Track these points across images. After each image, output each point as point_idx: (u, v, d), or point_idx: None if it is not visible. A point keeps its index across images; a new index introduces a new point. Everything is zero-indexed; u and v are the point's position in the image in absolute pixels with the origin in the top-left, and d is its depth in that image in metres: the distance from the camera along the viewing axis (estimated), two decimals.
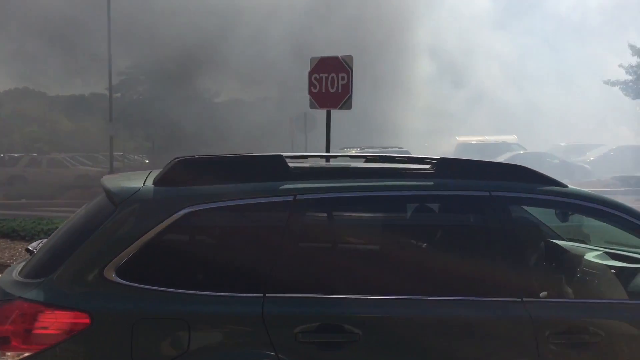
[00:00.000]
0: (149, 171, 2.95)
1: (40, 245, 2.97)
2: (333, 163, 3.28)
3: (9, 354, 2.33)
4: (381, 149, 18.77)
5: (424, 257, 2.86)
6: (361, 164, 3.22)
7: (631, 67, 21.48)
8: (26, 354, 2.31)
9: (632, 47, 21.33)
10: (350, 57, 9.18)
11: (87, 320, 2.33)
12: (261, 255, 2.56)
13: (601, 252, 3.71)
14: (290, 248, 2.57)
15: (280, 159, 2.73)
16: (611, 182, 21.32)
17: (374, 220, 2.98)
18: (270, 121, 37.31)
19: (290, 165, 2.75)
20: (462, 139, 32.29)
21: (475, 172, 2.89)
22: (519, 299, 2.60)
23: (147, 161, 35.52)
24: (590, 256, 3.62)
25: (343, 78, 9.06)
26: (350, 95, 9.14)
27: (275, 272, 2.51)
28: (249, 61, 42.34)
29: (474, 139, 30.72)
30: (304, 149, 20.40)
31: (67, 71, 43.84)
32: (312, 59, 9.41)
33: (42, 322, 2.35)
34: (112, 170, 21.30)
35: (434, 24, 39.61)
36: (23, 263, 2.79)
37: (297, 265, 2.58)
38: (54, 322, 2.34)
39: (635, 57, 21.37)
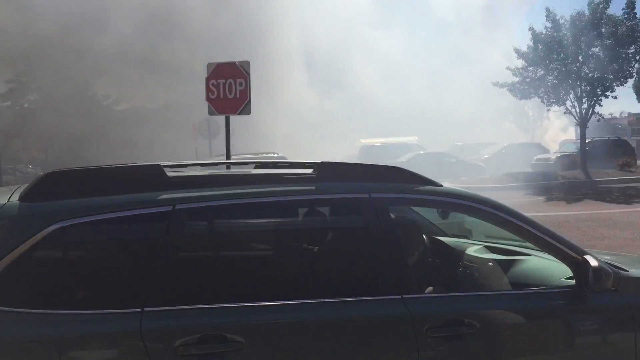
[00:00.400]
0: (18, 186, 2.80)
1: None
2: (215, 171, 3.24)
3: None
4: (253, 155, 18.63)
5: (306, 260, 2.91)
6: (242, 171, 3.21)
7: (517, 69, 22.84)
8: None
9: (517, 50, 22.70)
10: (247, 63, 9.16)
11: None
12: (139, 268, 2.49)
13: (481, 246, 3.94)
14: (170, 259, 2.52)
15: (158, 169, 2.68)
16: (503, 178, 22.57)
17: (255, 227, 2.99)
18: (176, 128, 36.51)
19: (169, 174, 2.70)
20: (365, 141, 33.10)
21: (355, 174, 2.97)
22: (399, 296, 2.70)
23: (42, 173, 33.66)
24: (471, 251, 3.84)
25: (241, 84, 9.03)
26: (249, 101, 9.11)
27: (155, 285, 2.45)
28: (152, 67, 41.25)
29: (377, 141, 31.56)
30: (209, 155, 20.12)
31: None
32: (208, 65, 9.31)
33: None
34: (1, 184, 20.01)
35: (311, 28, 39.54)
36: None
37: (177, 277, 2.54)
38: None
39: (521, 60, 22.74)
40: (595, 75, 21.75)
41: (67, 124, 40.15)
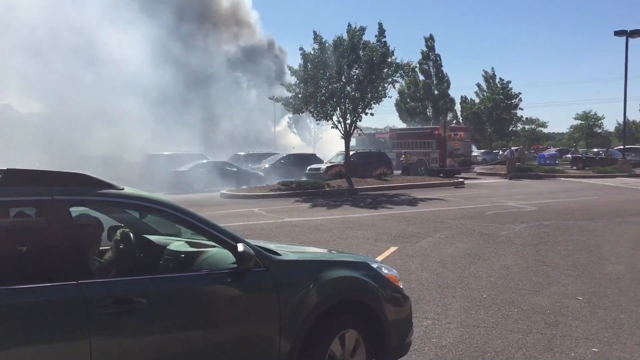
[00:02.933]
0: None
1: None
2: None
3: None
4: None
5: None
6: None
7: (290, 85, 24.59)
8: None
9: (290, 68, 24.45)
10: None
11: None
12: None
13: (184, 241, 4.61)
14: None
15: None
16: (277, 186, 24.09)
17: None
18: None
19: None
20: (154, 151, 32.90)
21: (41, 180, 3.41)
22: (75, 282, 3.20)
23: None
24: (172, 246, 4.48)
25: None
26: None
27: None
28: None
29: (166, 152, 31.46)
30: None
31: None
32: None
33: None
34: None
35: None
36: None
37: None
38: None
39: (293, 77, 24.55)
40: (357, 95, 24.38)
41: None
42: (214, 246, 4.17)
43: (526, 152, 50.74)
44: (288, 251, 4.41)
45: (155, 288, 3.51)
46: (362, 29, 24.02)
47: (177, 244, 4.56)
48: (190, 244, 4.56)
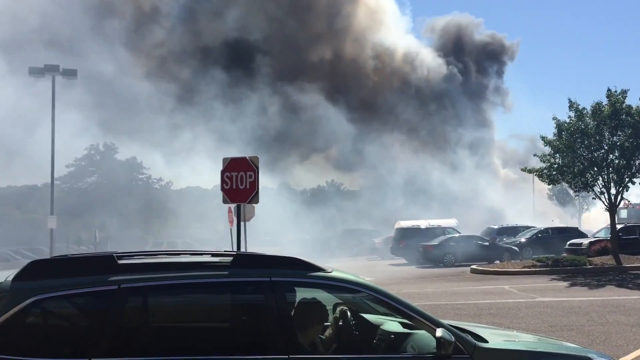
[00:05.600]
0: (17, 269, 3.87)
1: None
2: (159, 258, 4.24)
3: None
4: None
5: (217, 326, 3.84)
6: (181, 259, 4.19)
7: (544, 155, 23.41)
8: None
9: (543, 138, 23.36)
10: (257, 158, 10.39)
11: None
12: (89, 330, 3.50)
13: (397, 322, 4.77)
14: (115, 323, 3.51)
15: (110, 257, 3.72)
16: (532, 263, 22.73)
17: (182, 301, 3.94)
18: (221, 208, 38.28)
19: (120, 262, 3.72)
20: (402, 223, 34.06)
21: (262, 263, 3.93)
22: (286, 356, 3.58)
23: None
24: (385, 326, 4.68)
25: (250, 176, 10.19)
26: (257, 191, 10.25)
27: (100, 342, 3.42)
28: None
29: (411, 223, 32.34)
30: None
31: (12, 162, 44.60)
32: (224, 160, 10.59)
33: None
34: None
35: None
36: None
37: (118, 337, 3.51)
38: None
39: (547, 148, 23.37)
40: (622, 163, 22.12)
41: (121, 205, 42.71)
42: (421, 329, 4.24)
43: None
44: (497, 337, 4.24)
45: None
46: (624, 92, 21.98)
47: (390, 324, 4.71)
48: (403, 325, 4.68)
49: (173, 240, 41.28)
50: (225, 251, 4.04)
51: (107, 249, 33.98)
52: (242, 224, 10.69)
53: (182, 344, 3.62)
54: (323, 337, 4.63)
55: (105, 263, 3.70)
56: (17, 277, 3.56)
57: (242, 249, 10.61)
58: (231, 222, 21.35)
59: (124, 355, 3.44)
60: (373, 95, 57.34)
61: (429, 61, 63.36)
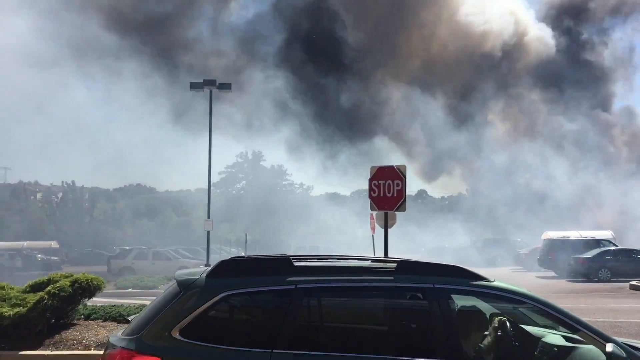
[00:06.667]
0: (207, 267, 4.37)
1: (135, 316, 4.45)
2: (329, 262, 4.54)
3: None
4: None
5: (382, 327, 4.05)
6: (348, 263, 4.46)
7: None
8: None
9: None
10: (404, 167, 10.53)
11: None
12: (271, 323, 3.87)
13: (559, 335, 4.69)
14: (292, 319, 3.86)
15: (287, 260, 4.08)
16: None
17: (350, 302, 4.20)
18: (360, 214, 39.10)
19: (295, 264, 4.07)
20: (550, 234, 32.36)
21: (424, 270, 4.08)
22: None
23: (243, 254, 38.20)
24: (547, 338, 4.62)
25: (398, 184, 10.35)
26: (404, 199, 10.39)
27: (282, 333, 3.77)
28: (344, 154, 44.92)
29: (561, 234, 30.62)
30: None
31: (173, 168, 48.70)
32: (371, 168, 10.85)
33: None
34: (208, 263, 23.26)
35: None
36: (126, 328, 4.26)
37: (297, 331, 3.85)
38: None
39: None
40: None
41: (266, 209, 45.10)
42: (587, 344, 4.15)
43: None
44: None
45: None
46: None
47: (553, 337, 4.64)
48: (566, 339, 4.59)
49: (315, 244, 42.62)
50: (386, 257, 4.25)
51: (256, 252, 36.05)
52: (387, 230, 10.88)
53: (349, 342, 3.87)
54: (482, 345, 4.68)
55: (283, 265, 4.06)
56: (210, 275, 4.03)
57: (388, 256, 10.81)
58: (373, 228, 21.74)
59: (301, 349, 3.75)
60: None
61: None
